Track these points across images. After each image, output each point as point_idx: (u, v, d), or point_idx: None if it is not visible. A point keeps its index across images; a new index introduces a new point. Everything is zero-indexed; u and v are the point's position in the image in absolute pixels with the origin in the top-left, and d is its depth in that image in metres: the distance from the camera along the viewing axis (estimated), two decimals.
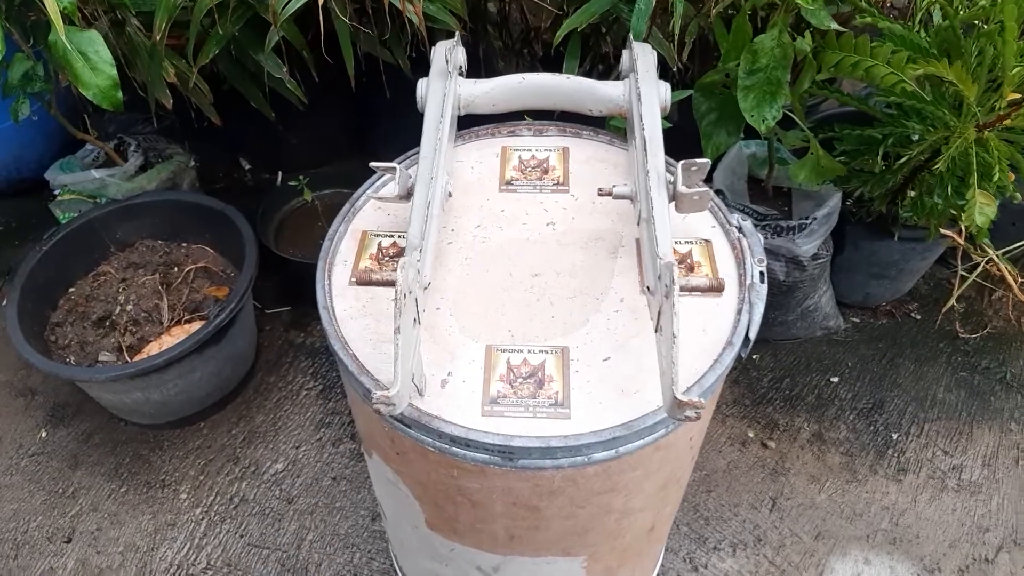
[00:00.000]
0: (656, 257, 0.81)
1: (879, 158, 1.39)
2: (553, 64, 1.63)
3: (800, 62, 1.29)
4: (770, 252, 1.50)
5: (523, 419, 0.82)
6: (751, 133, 1.34)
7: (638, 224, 0.92)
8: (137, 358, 1.53)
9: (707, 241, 0.97)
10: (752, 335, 0.88)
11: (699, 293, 0.76)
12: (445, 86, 1.03)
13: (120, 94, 1.34)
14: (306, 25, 1.59)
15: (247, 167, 2.24)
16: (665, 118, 1.06)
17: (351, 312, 0.92)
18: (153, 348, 1.54)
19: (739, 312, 0.89)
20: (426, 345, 0.88)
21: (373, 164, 0.94)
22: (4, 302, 1.55)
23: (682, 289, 0.74)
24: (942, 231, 1.43)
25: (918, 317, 1.81)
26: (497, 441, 0.79)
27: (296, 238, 1.84)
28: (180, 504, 1.55)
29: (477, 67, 1.88)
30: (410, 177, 0.94)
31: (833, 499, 1.52)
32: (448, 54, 1.06)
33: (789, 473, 1.55)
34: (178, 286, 1.62)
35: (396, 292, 0.71)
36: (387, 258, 0.98)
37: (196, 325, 1.55)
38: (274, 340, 1.81)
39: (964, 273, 1.63)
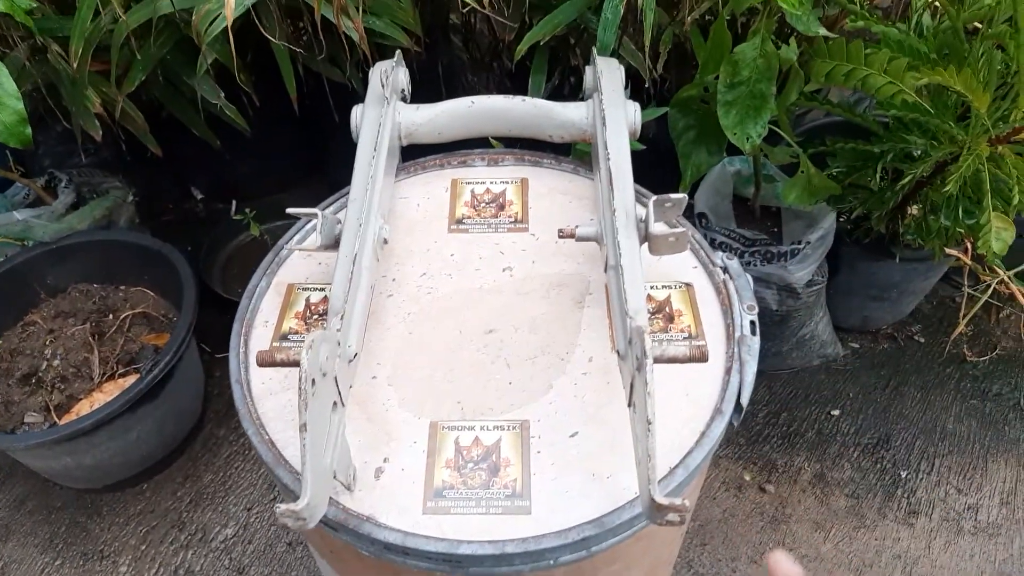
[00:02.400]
0: (625, 315, 0.67)
1: (877, 175, 1.26)
2: (524, 77, 1.50)
3: (786, 72, 1.16)
4: (761, 280, 1.37)
5: (474, 516, 0.68)
6: (735, 149, 1.21)
7: (605, 271, 0.78)
8: (66, 419, 1.38)
9: (688, 285, 0.84)
10: (745, 399, 0.74)
11: (678, 363, 0.62)
12: (381, 113, 0.90)
13: (28, 130, 1.20)
14: (245, 46, 1.46)
15: (199, 197, 2.09)
16: (638, 139, 0.93)
17: (270, 386, 0.78)
18: (84, 407, 1.39)
19: (728, 372, 0.76)
20: (358, 424, 0.74)
21: (291, 210, 0.80)
22: None
23: (657, 360, 0.60)
24: (947, 251, 1.30)
25: (922, 340, 1.68)
26: (441, 548, 0.65)
27: (244, 276, 1.68)
28: None
29: (437, 84, 1.75)
30: (338, 223, 0.80)
31: (840, 548, 1.38)
32: (385, 77, 0.92)
33: (791, 520, 1.41)
34: (112, 335, 1.47)
35: (300, 379, 0.57)
36: (315, 316, 0.84)
37: (131, 379, 1.41)
38: (224, 388, 1.65)
39: (972, 292, 1.50)
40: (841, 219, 1.43)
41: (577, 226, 0.80)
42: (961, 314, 1.52)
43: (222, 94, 1.47)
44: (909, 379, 1.61)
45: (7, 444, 1.31)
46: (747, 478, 1.47)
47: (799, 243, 1.32)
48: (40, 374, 1.42)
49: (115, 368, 1.43)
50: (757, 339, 0.78)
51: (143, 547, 1.44)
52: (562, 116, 0.91)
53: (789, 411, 1.56)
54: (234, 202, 2.03)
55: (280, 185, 2.06)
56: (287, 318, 0.84)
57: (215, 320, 1.43)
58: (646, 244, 0.78)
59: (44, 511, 1.50)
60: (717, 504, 1.43)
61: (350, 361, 0.70)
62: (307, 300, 0.85)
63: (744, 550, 1.37)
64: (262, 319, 0.85)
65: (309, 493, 0.58)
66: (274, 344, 0.82)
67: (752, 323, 0.79)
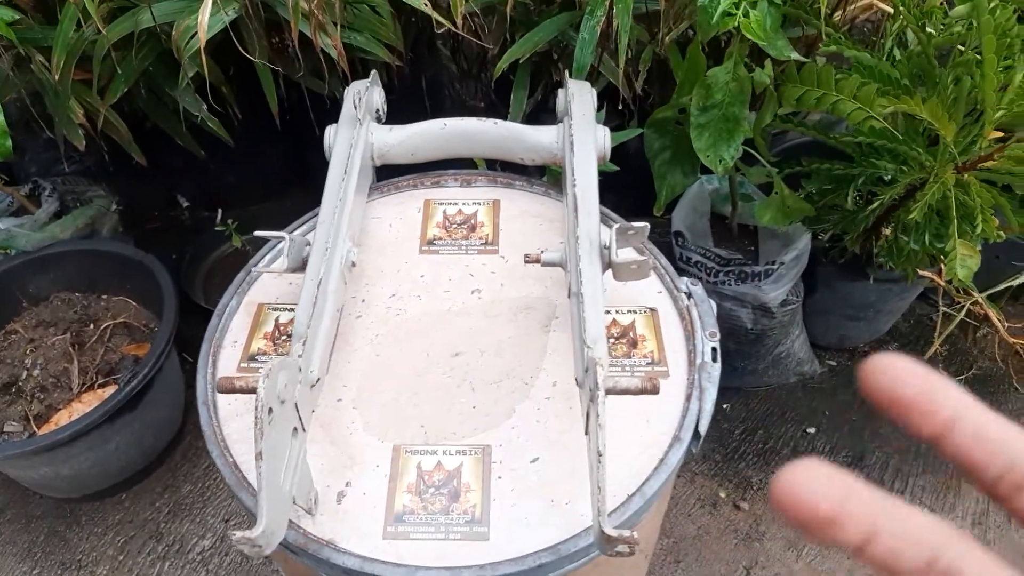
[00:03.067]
0: (584, 345, 0.68)
1: (850, 197, 1.27)
2: (510, 89, 1.51)
3: (761, 94, 1.17)
4: (736, 299, 1.38)
5: (433, 541, 0.68)
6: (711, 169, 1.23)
7: (568, 297, 0.79)
8: (45, 428, 1.38)
9: (652, 310, 0.85)
10: (703, 427, 0.75)
11: (631, 395, 0.63)
12: (354, 135, 0.90)
13: (8, 142, 1.20)
14: (227, 59, 1.46)
15: (185, 204, 2.09)
16: (611, 160, 0.94)
17: (237, 408, 0.79)
18: (63, 417, 1.39)
19: (688, 399, 0.76)
20: (321, 447, 0.75)
21: (259, 232, 0.81)
22: None
23: (609, 392, 0.61)
24: (920, 272, 1.31)
25: None
26: (398, 574, 0.66)
27: (226, 287, 1.69)
28: None
29: (420, 96, 1.76)
30: (307, 245, 0.81)
31: (812, 567, 1.39)
32: (358, 98, 0.93)
33: (764, 538, 1.42)
34: (93, 345, 1.48)
35: (257, 408, 0.57)
36: (284, 337, 0.85)
37: (111, 390, 1.41)
38: None
39: (948, 311, 1.51)
40: (818, 238, 1.45)
41: (543, 251, 0.81)
42: (936, 333, 1.53)
43: (204, 106, 1.48)
44: None
45: None
46: (722, 495, 1.48)
47: (773, 263, 1.33)
48: (20, 383, 1.42)
49: (95, 378, 1.44)
50: (718, 366, 0.79)
51: (120, 557, 1.44)
52: (533, 139, 0.92)
53: (765, 428, 1.57)
54: (219, 211, 2.04)
55: (266, 194, 2.07)
56: (256, 338, 0.85)
57: (197, 330, 1.43)
58: (611, 270, 0.79)
59: (23, 520, 1.50)
60: (692, 521, 1.44)
61: (312, 386, 0.71)
62: (276, 320, 0.86)
63: (718, 568, 1.38)
64: (231, 339, 0.85)
65: (264, 520, 0.58)
66: (242, 364, 0.83)
67: (713, 349, 0.80)
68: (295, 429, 0.66)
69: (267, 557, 0.94)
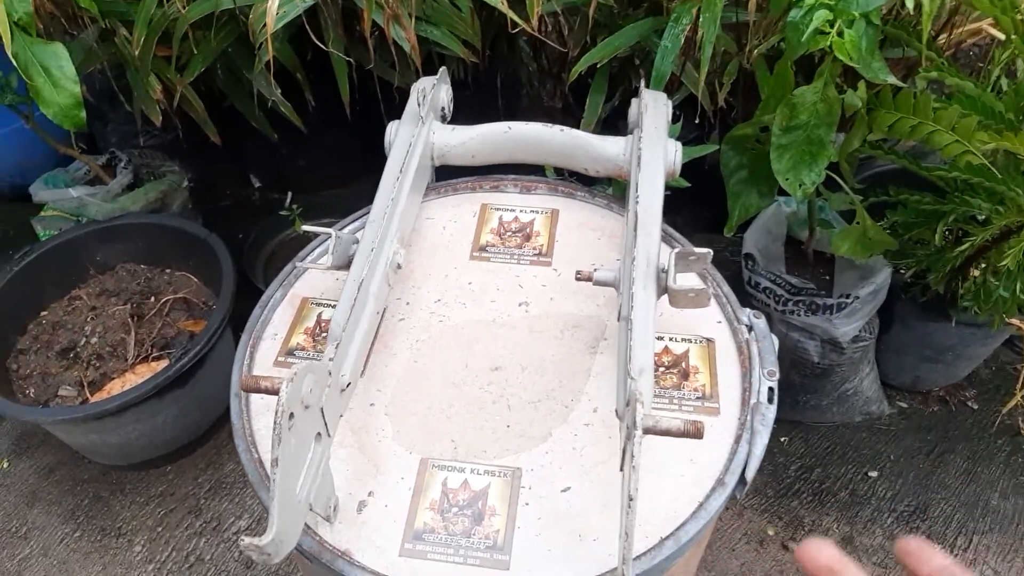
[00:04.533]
0: (627, 376, 0.64)
1: (938, 234, 1.19)
2: (587, 92, 1.47)
3: (850, 117, 1.10)
4: (804, 331, 1.31)
5: (450, 564, 0.65)
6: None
7: (618, 320, 0.75)
8: (97, 396, 1.40)
9: (709, 340, 0.80)
10: (750, 474, 0.70)
11: (671, 437, 0.58)
12: (414, 133, 0.88)
13: (83, 113, 1.22)
14: (304, 45, 1.46)
15: (257, 185, 2.12)
16: (689, 172, 0.90)
17: (269, 402, 0.77)
18: (115, 386, 1.42)
19: (737, 441, 0.71)
20: (348, 452, 0.73)
21: (306, 227, 0.79)
22: None
23: (648, 431, 0.57)
24: (1008, 320, 1.22)
25: (975, 407, 1.58)
26: None
27: None
28: (133, 557, 1.42)
29: (495, 93, 1.73)
30: (354, 243, 0.79)
31: None
32: (423, 96, 0.91)
33: None
34: (151, 318, 1.50)
35: (277, 412, 0.55)
36: (324, 334, 0.83)
37: (164, 363, 1.43)
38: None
39: None
40: (899, 273, 1.36)
41: (596, 268, 0.77)
42: (1020, 383, 1.43)
43: (278, 91, 1.48)
44: (956, 447, 1.52)
45: (38, 417, 1.35)
46: (771, 532, 1.40)
47: (848, 296, 1.26)
48: (78, 349, 1.45)
49: (150, 351, 1.46)
50: (774, 408, 0.73)
51: (159, 529, 1.46)
52: (599, 150, 0.88)
53: (823, 467, 1.49)
54: (289, 194, 2.05)
55: (335, 181, 2.07)
56: (296, 333, 0.83)
57: (251, 310, 1.44)
58: (667, 295, 0.74)
59: (70, 481, 1.54)
60: (736, 556, 1.37)
61: (342, 391, 0.69)
62: (319, 316, 0.84)
63: None
64: (272, 331, 0.84)
65: (275, 529, 0.56)
66: (279, 359, 0.81)
67: (771, 389, 0.74)
68: (319, 434, 0.63)
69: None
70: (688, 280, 0.82)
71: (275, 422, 0.55)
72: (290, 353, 0.81)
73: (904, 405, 1.59)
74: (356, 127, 1.89)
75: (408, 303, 0.85)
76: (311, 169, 2.05)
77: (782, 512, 1.43)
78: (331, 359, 0.66)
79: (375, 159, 0.84)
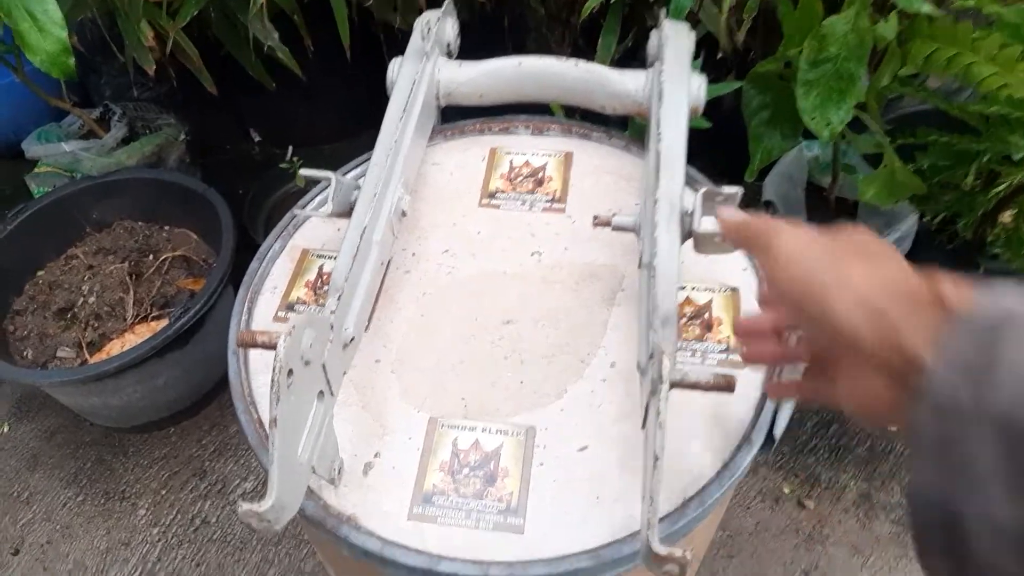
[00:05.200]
0: (650, 326, 0.59)
1: (970, 176, 1.13)
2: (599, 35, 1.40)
3: (880, 52, 1.03)
4: None
5: (462, 529, 0.61)
6: (813, 134, 1.10)
7: (639, 267, 0.70)
8: (96, 356, 1.37)
9: (734, 290, 0.75)
10: (779, 431, 0.65)
11: (700, 391, 0.53)
12: (418, 70, 0.82)
13: (71, 60, 1.16)
14: None
15: (257, 139, 2.06)
16: (712, 106, 0.84)
17: (269, 360, 0.72)
18: (115, 347, 1.38)
19: (764, 397, 0.67)
20: (353, 411, 0.68)
21: (304, 172, 0.73)
22: None
23: (675, 385, 0.52)
24: None
25: None
26: (420, 563, 0.59)
27: None
28: (137, 521, 1.40)
29: (502, 39, 1.65)
30: (356, 189, 0.74)
31: None
32: (427, 29, 0.84)
33: (827, 541, 1.31)
34: (150, 276, 1.45)
35: (275, 369, 0.50)
36: (326, 287, 0.78)
37: (163, 323, 1.38)
38: None
39: None
40: (924, 220, 1.30)
41: (615, 213, 0.72)
42: None
43: (276, 35, 1.41)
44: None
45: (36, 379, 1.31)
46: (786, 490, 1.37)
47: None
48: (76, 310, 1.41)
49: (149, 310, 1.42)
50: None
51: (163, 491, 1.43)
52: (617, 85, 0.82)
53: (840, 423, 1.45)
54: (290, 148, 1.99)
55: (338, 134, 2.01)
56: (297, 286, 0.78)
57: None
58: (691, 240, 0.69)
59: (72, 445, 1.51)
60: (750, 515, 1.34)
61: (345, 346, 0.64)
62: (320, 269, 0.80)
63: (774, 568, 1.28)
64: (271, 284, 0.79)
65: (275, 494, 0.52)
66: (279, 313, 0.76)
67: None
68: (321, 392, 0.59)
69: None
70: (714, 224, 0.77)
71: (273, 379, 0.51)
72: (290, 307, 0.77)
73: None
74: (357, 76, 1.82)
75: (414, 254, 0.80)
76: (312, 122, 1.99)
77: (798, 469, 1.40)
78: (333, 311, 0.61)
79: (378, 111, 0.78)
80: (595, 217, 0.72)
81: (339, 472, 0.64)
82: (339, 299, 0.63)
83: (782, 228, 0.46)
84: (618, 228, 0.71)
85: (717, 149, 1.30)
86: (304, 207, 0.84)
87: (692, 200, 0.65)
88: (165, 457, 1.47)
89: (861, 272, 0.41)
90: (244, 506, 0.51)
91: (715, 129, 1.10)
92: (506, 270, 0.78)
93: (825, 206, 1.35)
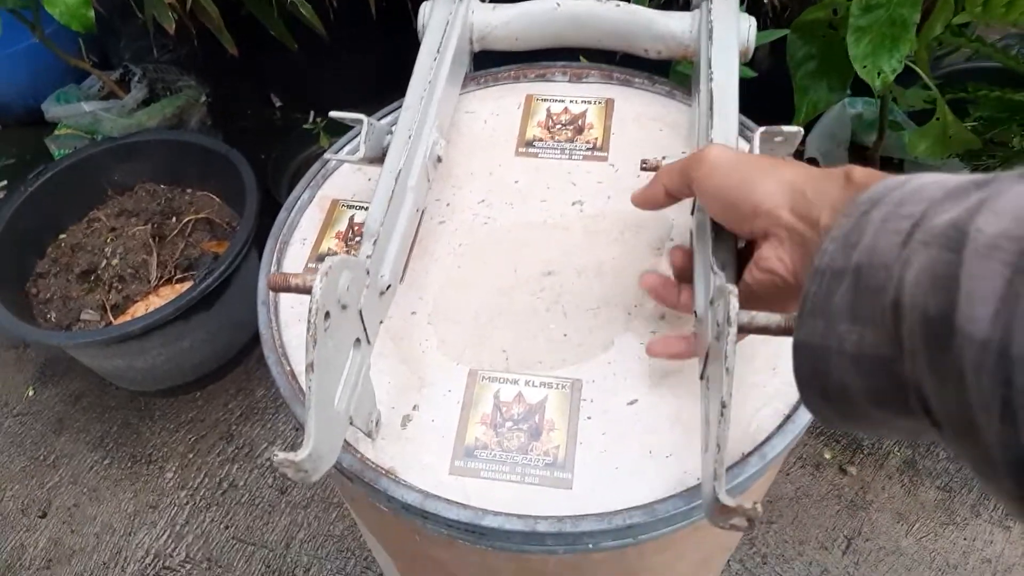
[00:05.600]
0: (710, 271, 0.55)
1: (1017, 138, 1.08)
2: None
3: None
4: None
5: (506, 483, 0.58)
6: (859, 88, 1.05)
7: (692, 213, 0.66)
8: (120, 319, 1.35)
9: None
10: None
11: (769, 335, 0.50)
12: (451, 12, 0.78)
13: (91, 13, 1.14)
14: None
15: (278, 104, 2.03)
16: (748, 64, 0.79)
17: (301, 311, 0.70)
18: (139, 309, 1.36)
19: None
20: (389, 364, 0.65)
21: (335, 114, 0.70)
22: None
23: (743, 329, 0.49)
24: None
25: None
26: (463, 517, 0.56)
27: None
28: (165, 484, 1.39)
29: None
30: (388, 133, 0.70)
31: (923, 544, 1.25)
32: None
33: (871, 507, 1.28)
34: (173, 239, 1.43)
35: (311, 311, 0.47)
36: (358, 239, 0.75)
37: (188, 285, 1.37)
38: None
39: None
40: None
41: (664, 157, 0.68)
42: None
43: None
44: None
45: (61, 341, 1.30)
46: (827, 456, 1.34)
47: None
48: (99, 272, 1.39)
49: (173, 272, 1.40)
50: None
51: (190, 455, 1.42)
52: (661, 26, 0.78)
53: None
54: (312, 112, 1.96)
55: (362, 97, 1.96)
56: (327, 237, 0.75)
57: None
58: None
59: (98, 408, 1.50)
60: (790, 481, 1.31)
61: (382, 293, 0.61)
62: (351, 219, 0.76)
63: (815, 533, 1.26)
64: (300, 236, 0.76)
65: (312, 443, 0.49)
66: (309, 265, 0.73)
67: None
68: (358, 340, 0.56)
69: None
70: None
71: (309, 322, 0.47)
72: (321, 259, 0.74)
73: None
74: (382, 40, 1.78)
75: (448, 204, 0.77)
76: (335, 86, 1.95)
77: (839, 435, 1.36)
78: (369, 256, 0.58)
79: (403, 73, 0.75)
80: (643, 161, 0.68)
81: (376, 425, 0.61)
82: (374, 244, 0.60)
83: (710, 147, 0.52)
84: None
85: (755, 105, 1.26)
86: (332, 154, 0.81)
87: (752, 139, 0.61)
88: (191, 421, 1.46)
89: (784, 167, 0.47)
90: (280, 455, 0.49)
91: (746, 87, 1.05)
92: (546, 220, 0.74)
93: (869, 164, 1.30)
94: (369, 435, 0.60)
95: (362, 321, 0.56)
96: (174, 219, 1.46)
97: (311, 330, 0.48)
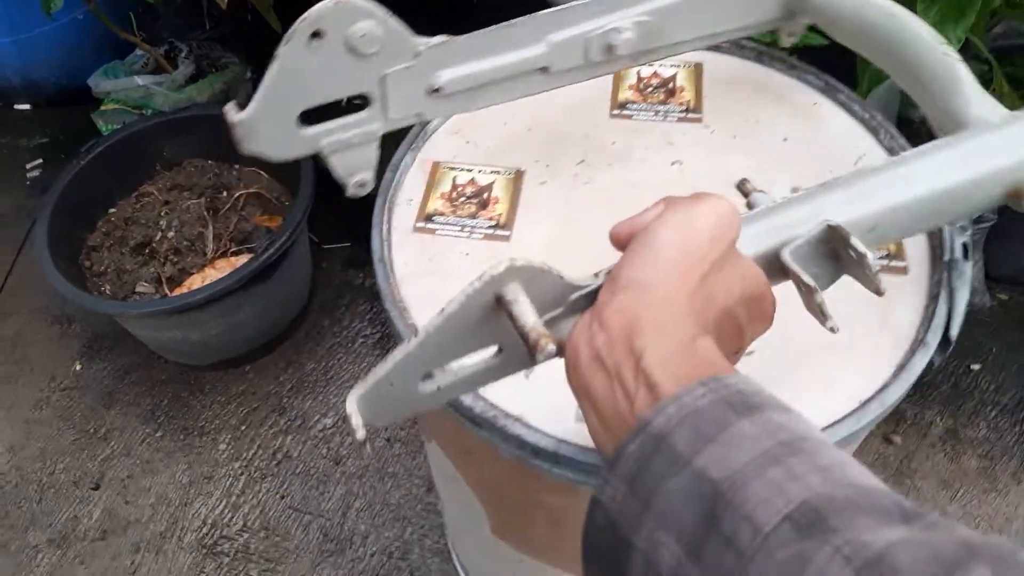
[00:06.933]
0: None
1: None
2: None
3: None
4: None
5: None
6: None
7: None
8: (177, 291, 1.36)
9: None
10: (954, 332, 0.64)
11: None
12: None
13: None
14: None
15: None
16: (817, 30, 0.81)
17: (414, 268, 0.71)
18: (195, 281, 1.37)
19: (934, 300, 0.66)
20: None
21: None
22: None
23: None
24: None
25: None
26: (595, 459, 0.58)
27: None
28: (218, 455, 1.40)
29: None
30: None
31: (967, 510, 1.28)
32: None
33: (916, 475, 1.31)
34: (226, 213, 1.44)
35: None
36: (463, 199, 0.77)
37: (243, 259, 1.38)
38: (331, 279, 1.62)
39: None
40: None
41: (762, 191, 0.70)
42: None
43: None
44: None
45: (119, 311, 1.31)
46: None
47: None
48: (154, 245, 1.41)
49: (228, 246, 1.41)
50: (970, 264, 0.67)
51: (243, 427, 1.43)
52: None
53: None
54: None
55: None
56: (432, 198, 0.77)
57: (324, 211, 1.39)
58: None
59: (147, 382, 1.51)
60: None
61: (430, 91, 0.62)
62: (454, 180, 0.78)
63: None
64: (405, 196, 0.78)
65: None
66: (418, 224, 0.75)
67: (964, 245, 0.68)
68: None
69: (399, 433, 0.85)
70: None
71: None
72: (429, 219, 0.75)
73: (1005, 297, 1.52)
74: (440, 22, 1.78)
75: (548, 165, 0.79)
76: None
77: None
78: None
79: None
80: (743, 181, 0.67)
81: None
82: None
83: (660, 231, 0.42)
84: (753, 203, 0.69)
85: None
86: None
87: None
88: (243, 394, 1.47)
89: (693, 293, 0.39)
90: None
91: (824, 50, 1.07)
92: (647, 180, 0.76)
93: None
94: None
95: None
96: (225, 193, 1.47)
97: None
